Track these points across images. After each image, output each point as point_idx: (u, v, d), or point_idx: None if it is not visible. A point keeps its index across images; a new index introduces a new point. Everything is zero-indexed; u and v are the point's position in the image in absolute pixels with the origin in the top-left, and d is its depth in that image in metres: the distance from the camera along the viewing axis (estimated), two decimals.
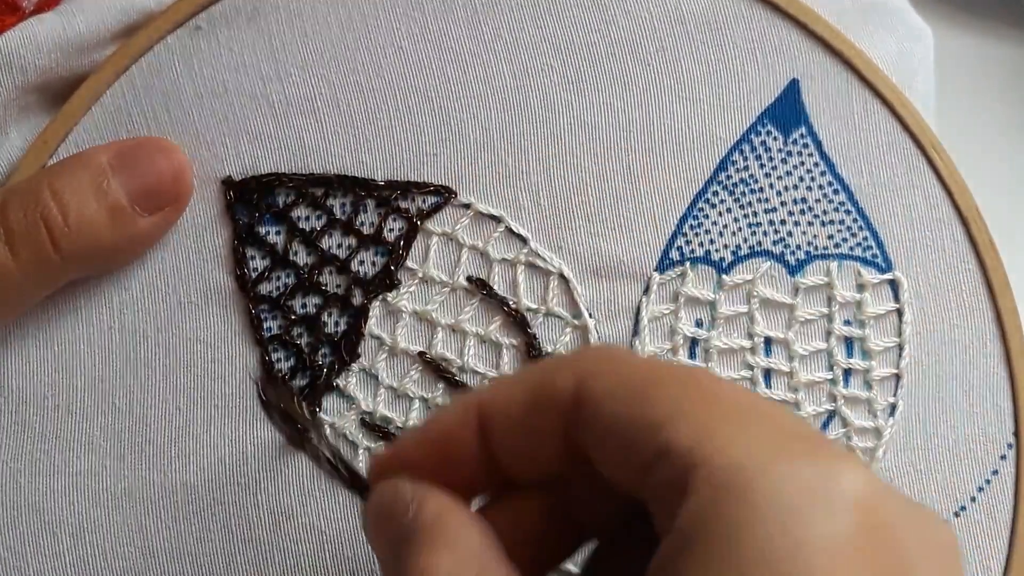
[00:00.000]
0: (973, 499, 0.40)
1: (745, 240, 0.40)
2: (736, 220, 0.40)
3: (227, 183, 0.38)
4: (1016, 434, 0.40)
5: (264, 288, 0.39)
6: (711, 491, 0.24)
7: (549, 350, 0.39)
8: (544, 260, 0.39)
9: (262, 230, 0.39)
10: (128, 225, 0.36)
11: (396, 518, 0.29)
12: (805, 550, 0.23)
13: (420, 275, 0.39)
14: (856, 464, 0.25)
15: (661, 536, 0.26)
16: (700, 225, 0.40)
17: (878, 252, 0.40)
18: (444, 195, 0.39)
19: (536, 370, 0.30)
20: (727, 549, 0.24)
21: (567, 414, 0.29)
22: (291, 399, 0.35)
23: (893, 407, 0.40)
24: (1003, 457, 0.40)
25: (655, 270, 0.40)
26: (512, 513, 0.30)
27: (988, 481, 0.40)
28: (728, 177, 0.40)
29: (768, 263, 0.40)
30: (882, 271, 0.40)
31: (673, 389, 0.27)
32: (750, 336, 0.40)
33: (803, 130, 0.40)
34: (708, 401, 0.27)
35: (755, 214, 0.40)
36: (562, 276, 0.39)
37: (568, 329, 0.39)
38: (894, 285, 0.40)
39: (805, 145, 0.40)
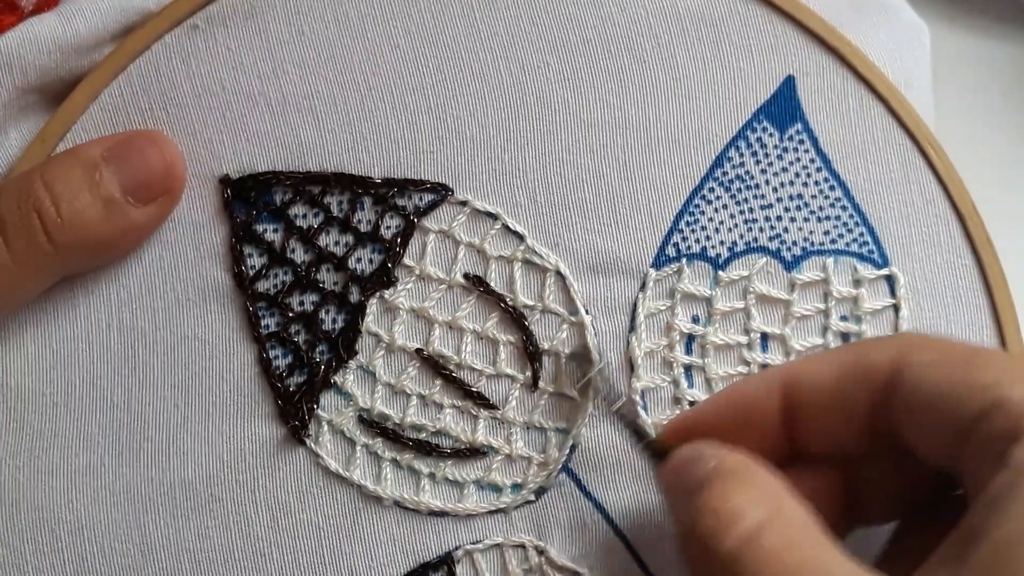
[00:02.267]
0: None
1: (741, 236, 0.40)
2: (732, 216, 0.40)
3: (225, 181, 0.39)
4: None
5: (262, 285, 0.39)
6: None
7: (546, 346, 0.39)
8: (541, 257, 0.39)
9: (260, 228, 0.39)
10: (121, 216, 0.36)
11: (697, 470, 0.31)
12: None
13: (417, 272, 0.39)
14: None
15: (973, 494, 0.28)
16: (696, 221, 0.40)
17: (874, 248, 0.40)
18: (441, 192, 0.39)
19: (850, 346, 0.33)
20: None
21: (881, 385, 0.31)
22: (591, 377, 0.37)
23: None
24: None
25: (651, 266, 0.40)
26: (801, 487, 0.31)
27: None
28: (724, 174, 0.40)
29: (764, 259, 0.40)
30: (878, 267, 0.40)
31: (998, 358, 0.30)
32: (746, 332, 0.40)
33: (799, 126, 0.40)
34: None
35: (751, 210, 0.40)
36: (559, 273, 0.39)
37: (565, 325, 0.39)
38: (890, 281, 0.40)
39: (801, 141, 0.40)
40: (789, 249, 0.40)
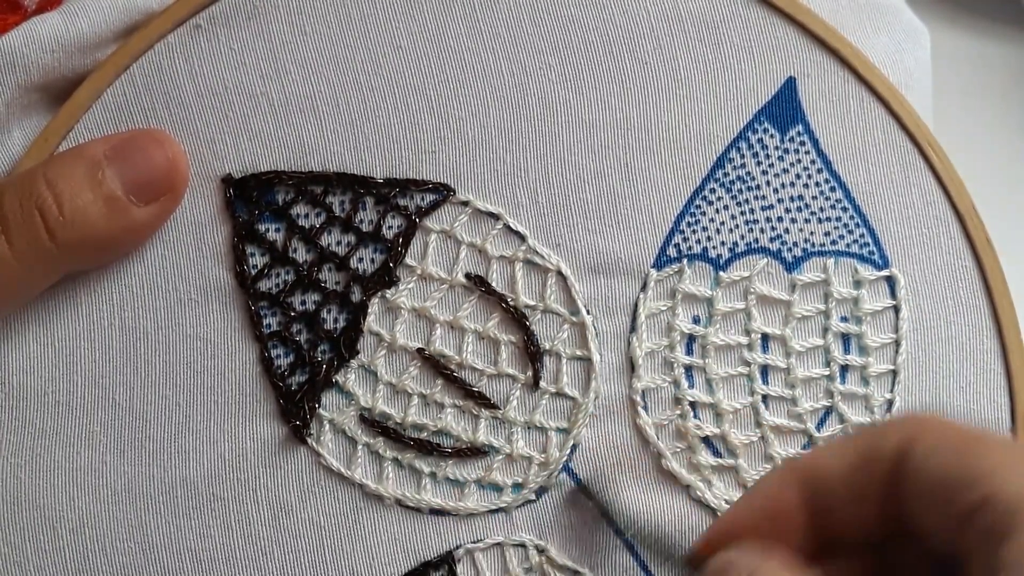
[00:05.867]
0: None
1: (742, 237, 0.40)
2: (733, 217, 0.40)
3: (227, 181, 0.39)
4: (1013, 430, 0.40)
5: (264, 285, 0.39)
6: None
7: (547, 346, 0.39)
8: (542, 257, 0.39)
9: (262, 227, 0.39)
10: (124, 215, 0.36)
11: None
12: None
13: (419, 272, 0.39)
14: None
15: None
16: (697, 222, 0.40)
17: (875, 249, 0.40)
18: (443, 192, 0.39)
19: (860, 434, 0.32)
20: None
21: (890, 472, 0.30)
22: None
23: (890, 403, 0.40)
24: None
25: (652, 267, 0.40)
26: (835, 573, 0.32)
27: None
28: (725, 175, 0.40)
29: (765, 260, 0.40)
30: (879, 268, 0.40)
31: (997, 446, 0.30)
32: (747, 332, 0.40)
33: (800, 128, 0.40)
34: None
35: (752, 211, 0.40)
36: (560, 273, 0.39)
37: (566, 325, 0.39)
38: (891, 281, 0.40)
39: (802, 143, 0.40)
40: (790, 250, 0.40)
